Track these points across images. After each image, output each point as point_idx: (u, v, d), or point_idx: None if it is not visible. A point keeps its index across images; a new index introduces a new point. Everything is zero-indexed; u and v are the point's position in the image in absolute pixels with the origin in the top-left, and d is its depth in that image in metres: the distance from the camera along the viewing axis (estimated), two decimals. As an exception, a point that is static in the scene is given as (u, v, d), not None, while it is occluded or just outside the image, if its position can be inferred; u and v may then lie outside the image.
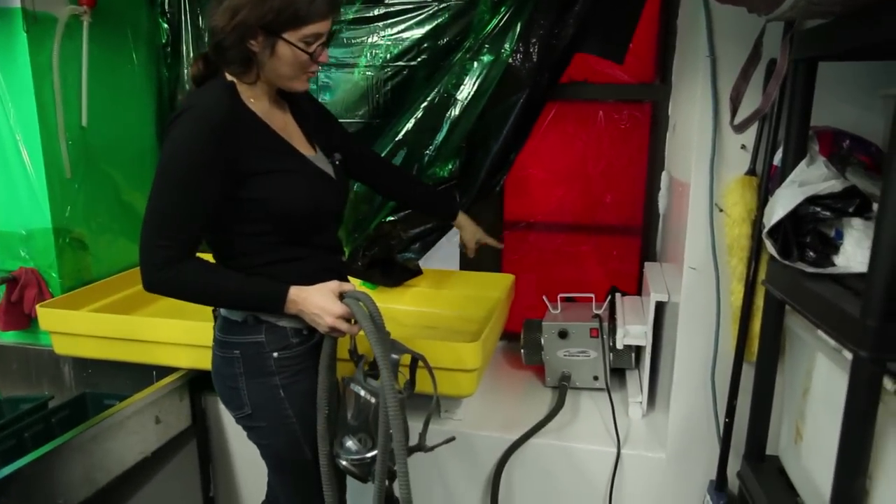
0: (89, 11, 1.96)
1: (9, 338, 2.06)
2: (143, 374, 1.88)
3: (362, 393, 1.26)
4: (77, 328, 1.81)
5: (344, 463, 1.25)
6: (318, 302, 1.18)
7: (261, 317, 1.24)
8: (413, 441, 1.27)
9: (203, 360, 1.74)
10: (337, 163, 1.38)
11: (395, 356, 1.23)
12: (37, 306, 1.83)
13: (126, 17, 2.18)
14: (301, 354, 1.27)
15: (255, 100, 1.23)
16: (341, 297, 1.21)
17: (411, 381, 1.34)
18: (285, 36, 1.15)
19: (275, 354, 1.24)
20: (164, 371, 1.83)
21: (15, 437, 1.61)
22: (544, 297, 2.06)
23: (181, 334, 1.74)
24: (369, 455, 1.23)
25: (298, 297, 1.19)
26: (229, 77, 1.21)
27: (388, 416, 1.15)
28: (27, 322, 1.99)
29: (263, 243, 1.22)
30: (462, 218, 1.83)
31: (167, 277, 1.13)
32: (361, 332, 1.23)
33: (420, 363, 1.31)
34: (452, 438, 1.40)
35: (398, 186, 1.75)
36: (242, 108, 1.20)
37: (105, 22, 2.06)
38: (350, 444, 1.24)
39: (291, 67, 1.18)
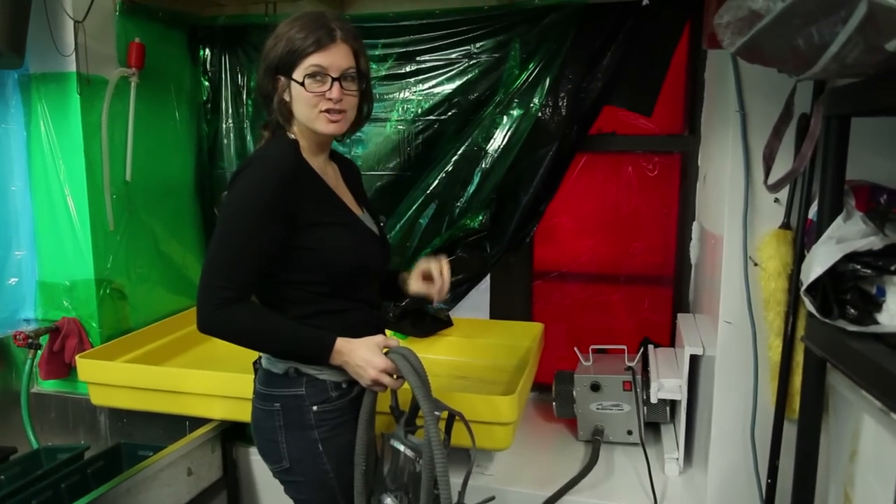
0: (137, 73, 2.07)
1: (49, 386, 2.11)
2: (177, 423, 1.90)
3: (402, 448, 1.25)
4: (113, 379, 1.84)
5: None
6: (363, 354, 1.20)
7: (301, 370, 1.26)
8: (452, 498, 1.25)
9: (235, 412, 1.76)
10: (381, 224, 1.42)
11: (435, 413, 1.23)
12: (76, 357, 1.88)
13: (171, 76, 2.29)
14: (340, 408, 1.28)
15: (312, 156, 1.30)
16: (386, 351, 1.23)
17: (447, 438, 1.33)
18: (294, 75, 1.21)
19: (314, 408, 1.25)
20: (196, 422, 1.85)
21: (52, 489, 1.63)
22: (576, 349, 2.04)
23: (213, 386, 1.76)
24: None
25: (345, 349, 1.20)
26: (291, 135, 1.28)
27: (434, 472, 1.15)
28: (67, 371, 2.03)
29: (309, 293, 1.25)
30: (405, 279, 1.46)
31: (222, 318, 1.17)
32: (403, 387, 1.24)
33: (457, 419, 1.30)
34: (492, 498, 1.38)
35: None
36: (304, 163, 1.26)
37: (151, 82, 2.17)
38: (388, 501, 1.23)
39: (306, 106, 1.22)
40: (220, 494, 1.88)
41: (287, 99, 1.24)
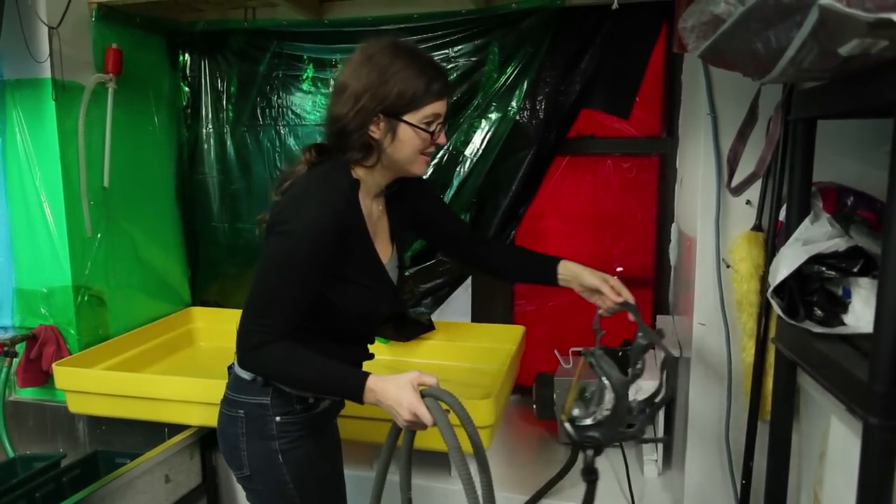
0: (115, 79, 2.06)
1: (27, 394, 2.10)
2: (156, 430, 1.88)
3: (593, 364, 1.25)
4: (90, 386, 1.83)
5: (564, 420, 1.25)
6: (395, 395, 1.12)
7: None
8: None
9: (214, 418, 1.74)
10: (400, 267, 1.38)
11: (641, 340, 1.28)
12: (53, 365, 1.87)
13: (149, 82, 2.28)
14: (303, 421, 1.27)
15: (366, 197, 1.25)
16: (422, 389, 1.15)
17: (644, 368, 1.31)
18: (406, 118, 1.16)
19: (277, 418, 1.24)
20: (176, 428, 1.84)
21: (26, 498, 1.62)
22: (556, 352, 2.04)
23: (191, 392, 1.76)
24: (587, 421, 1.23)
25: (377, 388, 1.13)
26: (354, 173, 1.22)
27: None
28: (45, 379, 2.02)
29: (303, 326, 1.21)
30: (567, 271, 1.44)
31: (255, 359, 1.17)
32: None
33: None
34: (662, 439, 1.40)
35: (490, 258, 1.50)
36: (357, 210, 1.22)
37: (129, 87, 2.15)
38: (576, 412, 1.25)
39: (412, 150, 1.19)
40: (199, 501, 1.87)
41: (381, 138, 1.18)
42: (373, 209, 1.29)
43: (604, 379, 1.23)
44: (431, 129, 1.19)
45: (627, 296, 1.35)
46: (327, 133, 1.23)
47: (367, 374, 1.15)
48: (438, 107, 1.19)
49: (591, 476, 1.28)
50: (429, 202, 1.44)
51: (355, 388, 1.15)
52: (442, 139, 1.23)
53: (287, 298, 1.15)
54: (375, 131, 1.17)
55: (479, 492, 1.13)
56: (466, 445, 1.15)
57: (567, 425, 1.25)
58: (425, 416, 1.10)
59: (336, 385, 1.19)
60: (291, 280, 1.15)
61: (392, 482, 1.28)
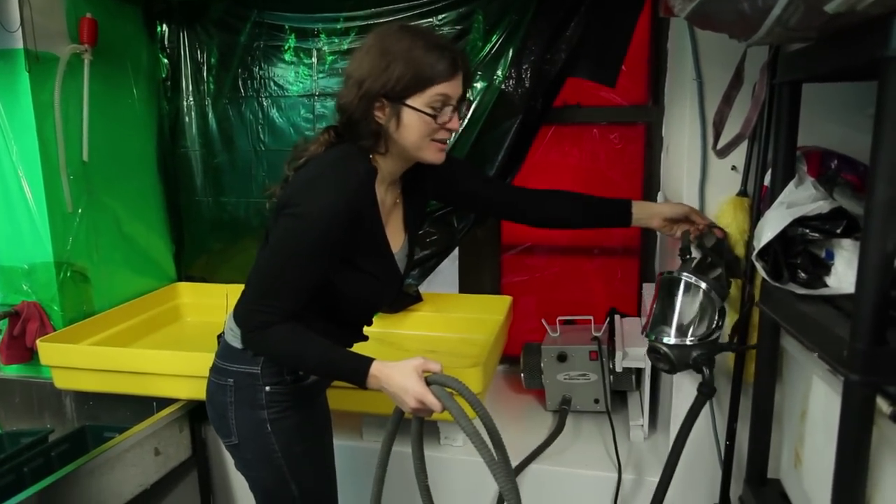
0: (90, 49, 2.00)
1: (11, 371, 2.08)
2: (144, 404, 1.88)
3: (693, 280, 1.27)
4: (76, 362, 1.82)
5: (662, 347, 1.27)
6: (400, 382, 1.11)
7: None
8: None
9: (202, 391, 1.74)
10: (410, 255, 1.37)
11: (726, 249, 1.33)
12: (37, 341, 1.85)
13: (126, 53, 2.23)
14: (293, 392, 1.27)
15: (381, 185, 1.23)
16: (427, 375, 1.14)
17: (725, 265, 1.35)
18: (409, 102, 1.13)
19: (267, 388, 1.24)
20: (165, 402, 1.84)
21: (14, 473, 1.62)
22: (543, 321, 2.05)
23: (180, 365, 1.75)
24: (682, 341, 1.24)
25: (381, 374, 1.12)
26: (373, 160, 1.20)
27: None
28: (29, 356, 2.00)
29: (305, 308, 1.19)
30: (642, 210, 1.48)
31: (257, 340, 1.16)
32: None
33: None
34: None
35: (551, 212, 1.50)
36: (371, 198, 1.20)
37: (106, 59, 2.10)
38: (667, 329, 1.25)
39: (419, 135, 1.16)
40: (190, 474, 1.89)
41: (386, 124, 1.15)
42: (387, 197, 1.27)
43: (703, 289, 1.25)
44: (438, 112, 1.15)
45: (707, 218, 1.45)
46: (339, 123, 1.21)
47: (370, 360, 1.14)
48: (445, 88, 1.14)
49: (711, 391, 1.33)
50: (460, 182, 1.40)
51: (358, 373, 1.14)
52: (454, 123, 1.18)
53: (294, 281, 1.14)
54: (381, 117, 1.15)
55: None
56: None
57: (666, 351, 1.28)
58: (434, 404, 1.10)
59: (339, 370, 1.18)
60: (299, 263, 1.14)
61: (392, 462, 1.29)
